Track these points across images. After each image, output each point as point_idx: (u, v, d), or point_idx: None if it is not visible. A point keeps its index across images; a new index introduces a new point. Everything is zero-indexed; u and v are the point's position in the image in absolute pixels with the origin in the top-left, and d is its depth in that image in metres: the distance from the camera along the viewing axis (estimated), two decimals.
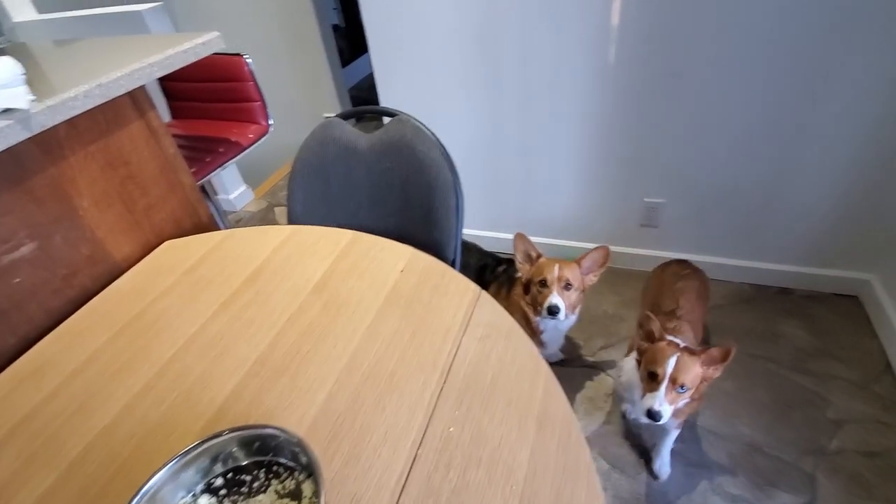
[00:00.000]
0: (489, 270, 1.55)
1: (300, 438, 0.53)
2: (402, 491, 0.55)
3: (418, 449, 0.59)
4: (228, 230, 1.07)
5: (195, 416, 0.67)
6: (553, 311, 1.25)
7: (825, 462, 1.29)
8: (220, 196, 2.84)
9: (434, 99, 1.80)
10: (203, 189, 1.67)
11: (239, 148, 1.68)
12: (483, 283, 1.54)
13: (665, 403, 1.02)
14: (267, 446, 0.58)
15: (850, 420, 1.37)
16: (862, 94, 1.35)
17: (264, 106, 1.75)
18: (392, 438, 0.61)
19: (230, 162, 1.65)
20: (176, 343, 0.80)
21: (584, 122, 1.67)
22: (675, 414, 1.13)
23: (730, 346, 1.00)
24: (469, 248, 1.61)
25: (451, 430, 0.61)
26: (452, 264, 1.10)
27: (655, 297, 1.36)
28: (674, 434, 1.25)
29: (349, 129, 1.14)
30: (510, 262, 1.40)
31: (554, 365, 1.64)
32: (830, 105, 1.39)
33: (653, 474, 1.31)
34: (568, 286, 1.27)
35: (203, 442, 0.55)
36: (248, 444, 0.58)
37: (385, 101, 1.88)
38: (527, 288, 1.35)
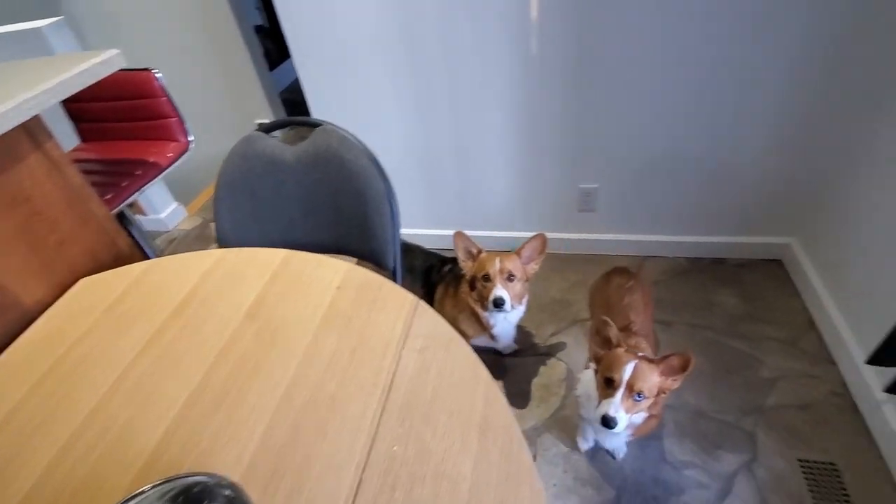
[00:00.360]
0: (435, 271, 1.54)
1: (231, 483, 0.51)
2: None
3: (363, 472, 0.58)
4: (150, 260, 1.01)
5: (124, 468, 0.63)
6: (499, 304, 1.27)
7: (763, 419, 1.39)
8: (150, 216, 2.67)
9: (363, 102, 1.77)
10: (122, 215, 1.56)
11: (158, 169, 1.58)
12: (430, 285, 1.54)
13: (621, 410, 0.99)
14: (201, 494, 0.55)
15: (783, 377, 1.48)
16: (776, 64, 1.42)
17: (182, 122, 1.65)
18: (335, 465, 0.59)
19: (149, 185, 1.55)
20: (100, 389, 0.74)
21: (513, 113, 1.69)
22: (634, 431, 1.14)
23: (688, 354, 0.98)
24: (413, 251, 1.60)
25: (395, 448, 0.60)
26: (393, 272, 1.08)
27: (604, 308, 1.36)
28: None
29: (272, 143, 1.10)
30: (455, 261, 1.40)
31: (508, 356, 1.67)
32: (747, 75, 1.46)
33: (610, 454, 1.36)
34: (511, 277, 1.29)
35: (126, 501, 0.51)
36: (180, 494, 0.55)
37: (314, 106, 1.83)
38: (472, 284, 1.36)
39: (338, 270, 0.88)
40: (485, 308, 1.34)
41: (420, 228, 2.13)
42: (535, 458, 1.39)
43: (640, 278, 1.41)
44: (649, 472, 1.32)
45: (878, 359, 1.18)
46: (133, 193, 1.50)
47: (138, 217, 2.69)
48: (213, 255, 0.98)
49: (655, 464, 1.33)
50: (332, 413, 0.65)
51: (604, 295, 1.41)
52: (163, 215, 2.67)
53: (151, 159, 1.59)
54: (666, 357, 1.01)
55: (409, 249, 1.60)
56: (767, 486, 1.24)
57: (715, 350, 1.59)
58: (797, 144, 1.56)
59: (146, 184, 1.53)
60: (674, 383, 1.02)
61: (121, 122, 1.68)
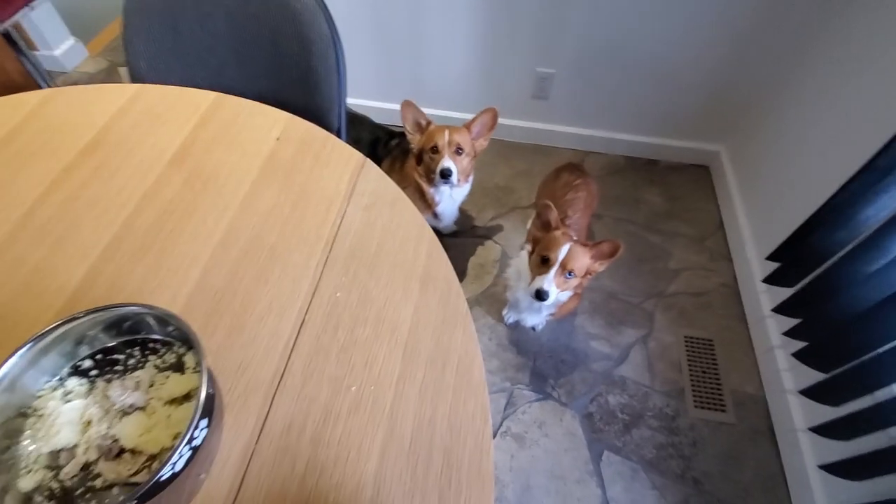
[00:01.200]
0: (382, 144, 1.48)
1: (168, 311, 0.50)
2: (291, 352, 0.56)
3: (305, 315, 0.59)
4: (50, 89, 0.86)
5: (43, 307, 0.60)
6: (446, 175, 1.25)
7: (662, 302, 1.58)
8: (42, 52, 2.25)
9: None
10: (10, 38, 1.28)
11: None
12: (376, 159, 1.48)
13: (552, 285, 1.09)
14: (136, 325, 0.54)
15: (685, 269, 1.67)
16: None
17: None
18: (277, 308, 0.60)
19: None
20: (1, 227, 0.67)
21: None
22: (557, 309, 1.24)
23: (617, 242, 1.06)
24: (361, 122, 1.51)
25: (339, 295, 0.61)
26: (338, 133, 1.02)
27: (548, 199, 1.40)
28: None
29: None
30: (403, 136, 1.34)
31: (447, 236, 1.72)
32: None
33: (531, 328, 1.50)
34: (459, 150, 1.27)
35: (57, 326, 0.49)
36: (114, 325, 0.53)
37: None
38: (419, 158, 1.33)
39: (277, 120, 0.82)
40: (431, 182, 1.33)
41: (369, 100, 1.98)
42: None
43: (589, 180, 1.45)
44: (563, 341, 1.49)
45: (775, 256, 1.35)
46: (20, 8, 1.22)
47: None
48: (129, 91, 0.86)
49: (569, 335, 1.50)
50: (273, 262, 0.64)
51: (551, 188, 1.45)
52: (57, 52, 2.26)
53: None
54: (598, 243, 1.09)
55: (356, 119, 1.50)
56: (655, 355, 1.46)
57: (633, 241, 1.74)
58: (737, 52, 1.58)
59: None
60: (600, 266, 1.12)
61: None
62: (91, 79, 2.25)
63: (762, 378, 1.41)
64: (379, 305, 0.61)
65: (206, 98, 0.84)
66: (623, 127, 1.92)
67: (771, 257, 1.37)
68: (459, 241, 1.73)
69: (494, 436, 1.30)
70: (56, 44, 2.25)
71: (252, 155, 0.76)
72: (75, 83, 2.26)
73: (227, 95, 0.85)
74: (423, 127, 1.29)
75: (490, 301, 1.58)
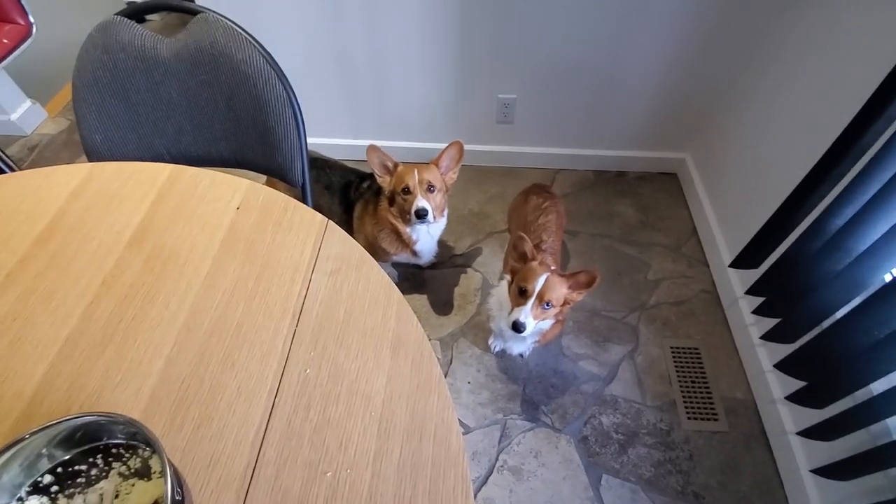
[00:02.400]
0: (353, 188, 1.47)
1: (126, 417, 0.48)
2: (262, 440, 0.55)
3: (275, 397, 0.58)
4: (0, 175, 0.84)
5: (1, 415, 0.57)
6: (421, 215, 1.25)
7: (645, 315, 1.59)
8: None
9: None
10: None
11: None
12: (349, 203, 1.48)
13: (530, 317, 1.09)
14: (97, 432, 0.52)
15: (664, 278, 1.69)
16: None
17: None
18: (246, 392, 0.58)
19: None
20: None
21: (430, 19, 1.56)
22: (540, 337, 1.25)
23: (594, 272, 1.07)
24: (331, 167, 1.50)
25: (308, 371, 0.60)
26: (303, 189, 1.02)
27: (521, 226, 1.42)
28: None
29: (142, 32, 0.91)
30: (374, 177, 1.34)
31: (428, 268, 1.71)
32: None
33: (519, 355, 1.50)
34: (431, 188, 1.27)
35: (6, 448, 0.47)
36: (71, 436, 0.51)
37: None
38: (391, 199, 1.33)
39: (237, 188, 0.81)
40: (406, 222, 1.33)
41: (337, 138, 1.99)
42: (451, 360, 1.50)
43: (556, 201, 1.47)
44: (550, 364, 1.49)
45: (737, 263, 1.38)
46: None
47: None
48: (81, 171, 0.84)
49: (556, 357, 1.50)
50: (239, 342, 0.62)
51: (521, 213, 1.46)
52: (14, 117, 2.22)
53: None
54: (575, 273, 1.10)
55: (326, 164, 1.50)
56: (644, 369, 1.47)
57: (611, 255, 1.75)
58: (695, 63, 1.63)
59: None
60: (578, 296, 1.12)
61: None
62: (52, 140, 2.22)
63: (749, 382, 1.42)
64: (350, 378, 0.59)
65: (162, 172, 0.83)
66: (589, 143, 1.96)
67: (734, 264, 1.39)
68: (439, 272, 1.72)
69: (491, 472, 1.28)
70: (12, 108, 2.21)
71: (213, 227, 0.75)
72: (35, 146, 2.22)
73: (184, 167, 0.84)
74: (391, 169, 1.29)
75: (475, 331, 1.57)
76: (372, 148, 1.25)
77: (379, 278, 0.69)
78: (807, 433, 1.12)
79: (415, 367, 0.61)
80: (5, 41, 1.29)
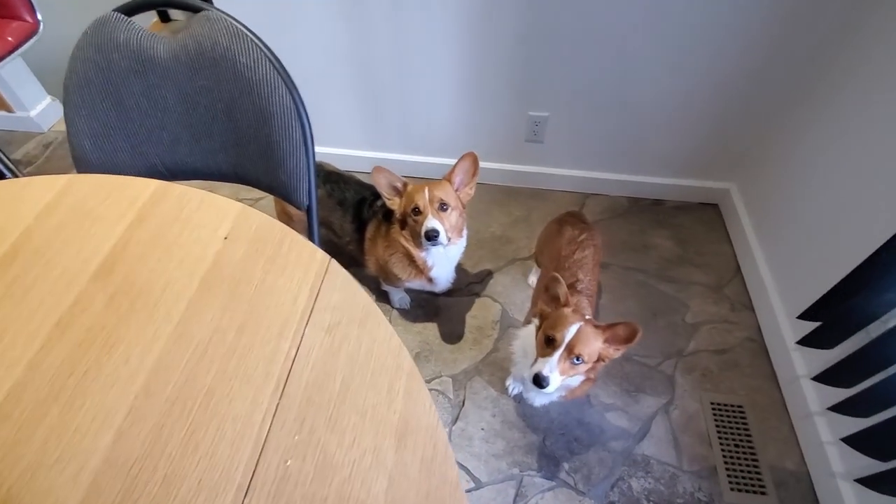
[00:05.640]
0: (367, 205, 1.35)
1: None
2: None
3: (245, 497, 0.45)
4: None
5: None
6: (432, 237, 1.11)
7: (682, 363, 1.43)
8: (18, 114, 2.18)
9: None
10: None
11: None
12: (361, 221, 1.36)
13: (556, 371, 0.93)
14: None
15: (704, 322, 1.52)
16: (725, 8, 1.30)
17: None
18: (209, 487, 0.46)
19: None
20: None
21: (463, 30, 1.45)
22: (567, 393, 1.09)
23: (636, 326, 0.91)
24: (346, 181, 1.39)
25: (289, 463, 0.47)
26: (308, 212, 0.90)
27: (554, 260, 1.25)
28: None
29: (138, 31, 0.81)
30: None
31: (443, 295, 1.58)
32: (696, 19, 1.33)
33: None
34: (444, 206, 1.14)
35: None
36: None
37: None
38: (403, 222, 1.21)
39: (227, 213, 0.69)
40: (419, 246, 1.20)
41: (353, 149, 1.88)
42: (463, 402, 1.36)
43: (594, 233, 1.30)
44: (574, 414, 1.34)
45: (809, 314, 1.21)
46: None
47: (4, 114, 2.19)
48: (58, 183, 0.73)
49: (580, 407, 1.35)
50: (208, 416, 0.50)
51: (555, 245, 1.29)
52: (33, 113, 2.19)
53: None
54: (613, 325, 0.94)
55: (341, 179, 1.39)
56: (681, 426, 1.30)
57: (645, 293, 1.60)
58: (743, 91, 1.48)
59: None
60: (616, 352, 0.96)
61: None
62: (66, 138, 2.16)
63: (803, 451, 1.25)
64: (342, 476, 0.46)
65: (145, 188, 0.72)
66: (624, 167, 1.81)
67: (804, 316, 1.22)
68: (454, 299, 1.59)
69: None
70: (32, 105, 2.17)
71: (194, 260, 0.63)
72: (50, 143, 2.18)
73: (171, 184, 0.72)
74: (400, 190, 1.17)
75: (491, 369, 1.43)
76: (378, 169, 1.12)
77: (386, 338, 0.56)
78: None
79: (425, 467, 0.47)
80: (10, 39, 1.21)
